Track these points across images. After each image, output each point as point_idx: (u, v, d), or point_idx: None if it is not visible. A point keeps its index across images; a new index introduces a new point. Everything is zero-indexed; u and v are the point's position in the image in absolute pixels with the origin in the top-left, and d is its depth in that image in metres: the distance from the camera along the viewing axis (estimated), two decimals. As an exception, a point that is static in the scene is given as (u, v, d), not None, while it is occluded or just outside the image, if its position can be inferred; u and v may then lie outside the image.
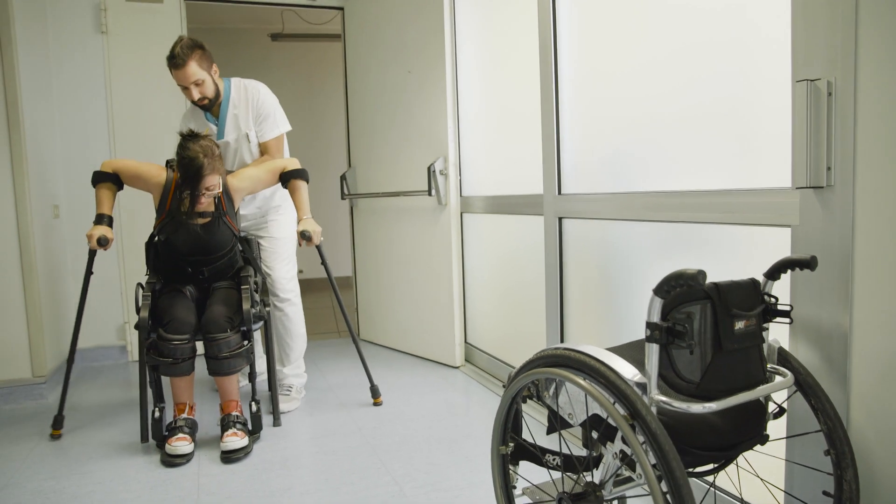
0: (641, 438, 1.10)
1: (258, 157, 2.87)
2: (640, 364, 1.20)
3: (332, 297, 3.56)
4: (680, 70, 1.85)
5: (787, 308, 1.28)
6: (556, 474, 1.44)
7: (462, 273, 3.54)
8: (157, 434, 2.43)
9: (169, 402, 2.57)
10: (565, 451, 1.46)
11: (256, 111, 2.82)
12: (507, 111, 3.02)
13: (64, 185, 3.68)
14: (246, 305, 2.51)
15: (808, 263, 1.26)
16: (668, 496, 1.06)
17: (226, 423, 2.45)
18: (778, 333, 1.44)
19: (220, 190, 2.54)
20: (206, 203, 2.50)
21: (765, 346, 1.28)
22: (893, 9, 1.23)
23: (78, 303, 2.70)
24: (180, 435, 2.38)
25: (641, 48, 2.03)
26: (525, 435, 1.53)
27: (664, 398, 1.13)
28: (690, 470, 1.29)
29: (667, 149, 1.94)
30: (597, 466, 1.33)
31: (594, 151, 2.33)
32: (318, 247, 2.76)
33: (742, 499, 1.53)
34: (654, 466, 1.08)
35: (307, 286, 6.36)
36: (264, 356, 2.82)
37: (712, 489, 1.68)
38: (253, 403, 2.52)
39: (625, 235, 2.16)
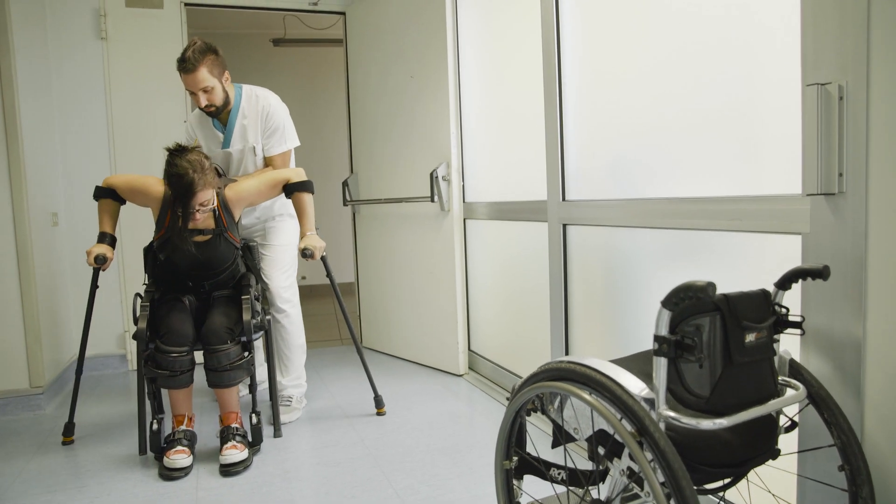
0: (649, 456, 1.06)
1: (261, 168, 2.82)
2: (647, 377, 1.17)
3: (335, 304, 3.53)
4: (686, 74, 1.82)
5: (799, 319, 1.24)
6: (561, 488, 1.40)
7: (465, 280, 3.50)
8: (155, 446, 2.40)
9: (168, 413, 2.54)
10: (570, 464, 1.42)
11: (265, 124, 2.75)
12: (510, 116, 2.99)
13: (63, 193, 3.65)
14: (246, 316, 2.47)
15: (821, 273, 1.22)
16: (677, 515, 1.02)
17: (225, 436, 2.42)
18: (789, 345, 1.40)
19: (215, 204, 2.47)
20: (203, 218, 2.44)
21: (776, 358, 1.24)
22: (907, 10, 1.19)
23: (84, 316, 2.70)
24: (179, 448, 2.34)
25: (646, 51, 1.99)
26: (529, 448, 1.49)
27: (673, 414, 1.09)
28: (700, 487, 1.25)
29: (673, 154, 1.90)
30: (603, 480, 1.29)
31: (599, 157, 2.29)
32: (323, 258, 2.71)
33: (753, 514, 1.49)
34: (662, 484, 1.04)
35: (310, 292, 6.37)
36: (265, 364, 2.79)
37: (722, 504, 1.64)
38: (253, 415, 2.48)
39: (630, 242, 2.13)
